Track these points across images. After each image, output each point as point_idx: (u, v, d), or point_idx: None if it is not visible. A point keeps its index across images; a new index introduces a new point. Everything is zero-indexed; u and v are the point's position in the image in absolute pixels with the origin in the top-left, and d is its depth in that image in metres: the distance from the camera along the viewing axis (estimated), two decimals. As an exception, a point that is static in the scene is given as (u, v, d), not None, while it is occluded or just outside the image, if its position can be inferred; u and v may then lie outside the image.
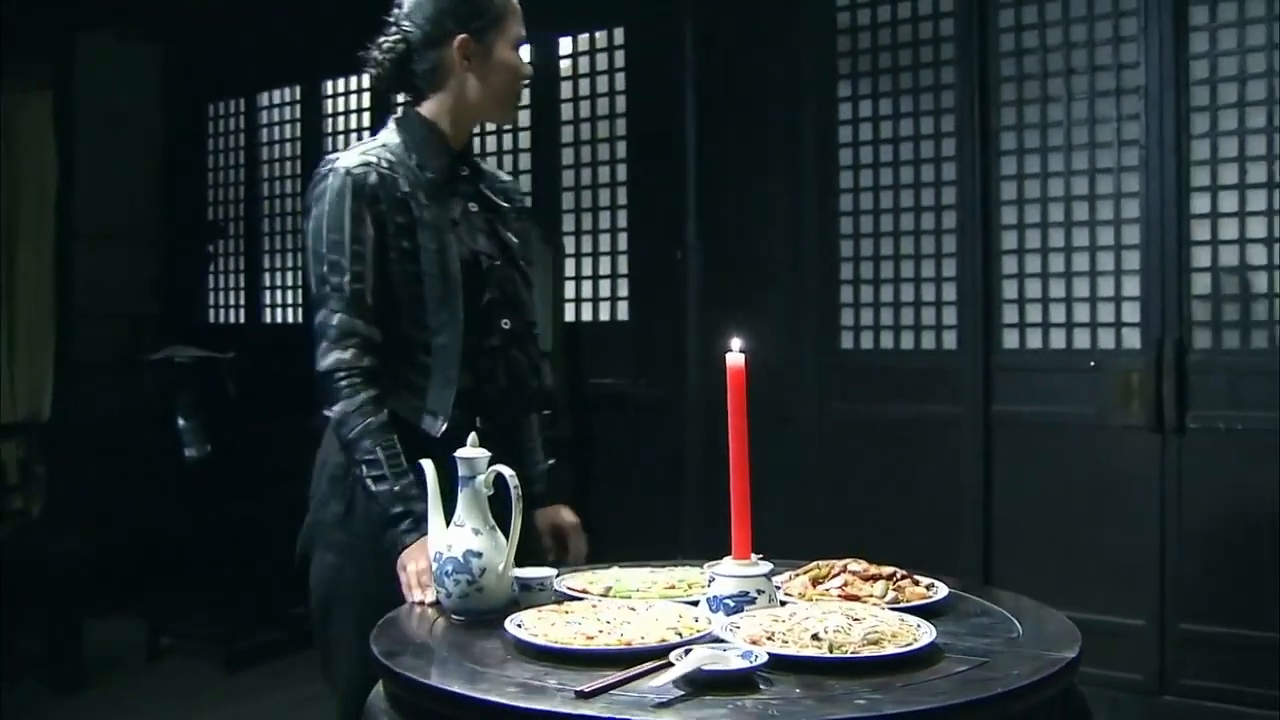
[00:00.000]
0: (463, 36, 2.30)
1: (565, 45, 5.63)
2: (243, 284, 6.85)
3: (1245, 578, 4.00)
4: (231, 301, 6.92)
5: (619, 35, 5.45)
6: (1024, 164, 4.41)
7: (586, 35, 5.56)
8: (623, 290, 5.54)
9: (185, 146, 6.89)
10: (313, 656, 4.88)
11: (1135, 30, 4.16)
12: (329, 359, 2.22)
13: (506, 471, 2.05)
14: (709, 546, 4.26)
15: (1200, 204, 4.08)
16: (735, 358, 2.03)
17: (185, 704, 4.73)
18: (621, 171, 5.49)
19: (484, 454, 2.07)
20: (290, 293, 6.68)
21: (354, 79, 6.36)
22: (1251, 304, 4.03)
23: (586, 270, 5.61)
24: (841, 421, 4.57)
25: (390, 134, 2.36)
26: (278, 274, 6.72)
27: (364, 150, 2.30)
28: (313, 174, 2.31)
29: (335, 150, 6.31)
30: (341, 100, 6.45)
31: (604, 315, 5.59)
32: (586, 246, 5.61)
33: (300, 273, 6.56)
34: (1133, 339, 4.21)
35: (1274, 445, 3.94)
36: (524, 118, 5.76)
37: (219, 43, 6.55)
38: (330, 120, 6.49)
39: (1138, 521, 4.16)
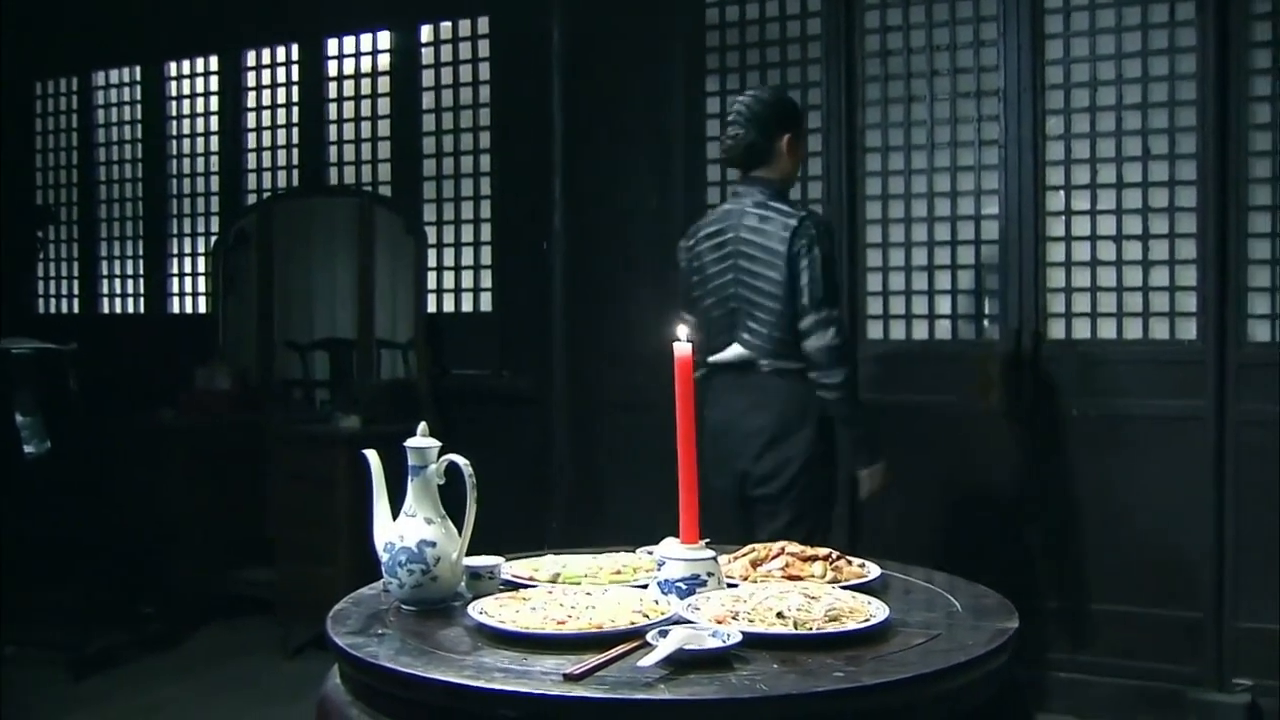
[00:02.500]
0: (789, 136, 3.49)
1: (427, 33, 5.57)
2: (76, 272, 6.58)
3: (1093, 554, 4.25)
4: (64, 291, 6.63)
5: (483, 24, 5.43)
6: (889, 161, 4.56)
7: (449, 23, 5.52)
8: (486, 281, 5.52)
9: (10, 126, 6.55)
10: (161, 660, 4.75)
11: (995, 35, 4.36)
12: (846, 349, 3.43)
13: (461, 460, 2.05)
14: (577, 537, 4.29)
15: (1055, 202, 4.30)
16: (682, 348, 2.06)
17: (29, 715, 4.51)
18: (485, 162, 5.47)
19: (435, 444, 2.06)
20: (130, 282, 6.45)
21: (200, 61, 6.18)
22: (1099, 296, 4.26)
23: (449, 261, 5.58)
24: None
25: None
26: (116, 262, 6.48)
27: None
28: (806, 220, 3.38)
29: (179, 135, 6.14)
30: (186, 83, 6.24)
31: (466, 306, 5.57)
32: (449, 237, 5.57)
33: (143, 261, 6.35)
34: (992, 330, 4.41)
35: (1118, 430, 4.20)
36: (383, 106, 5.69)
37: (48, 17, 6.25)
38: (174, 103, 6.27)
39: (996, 502, 4.36)
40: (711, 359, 3.52)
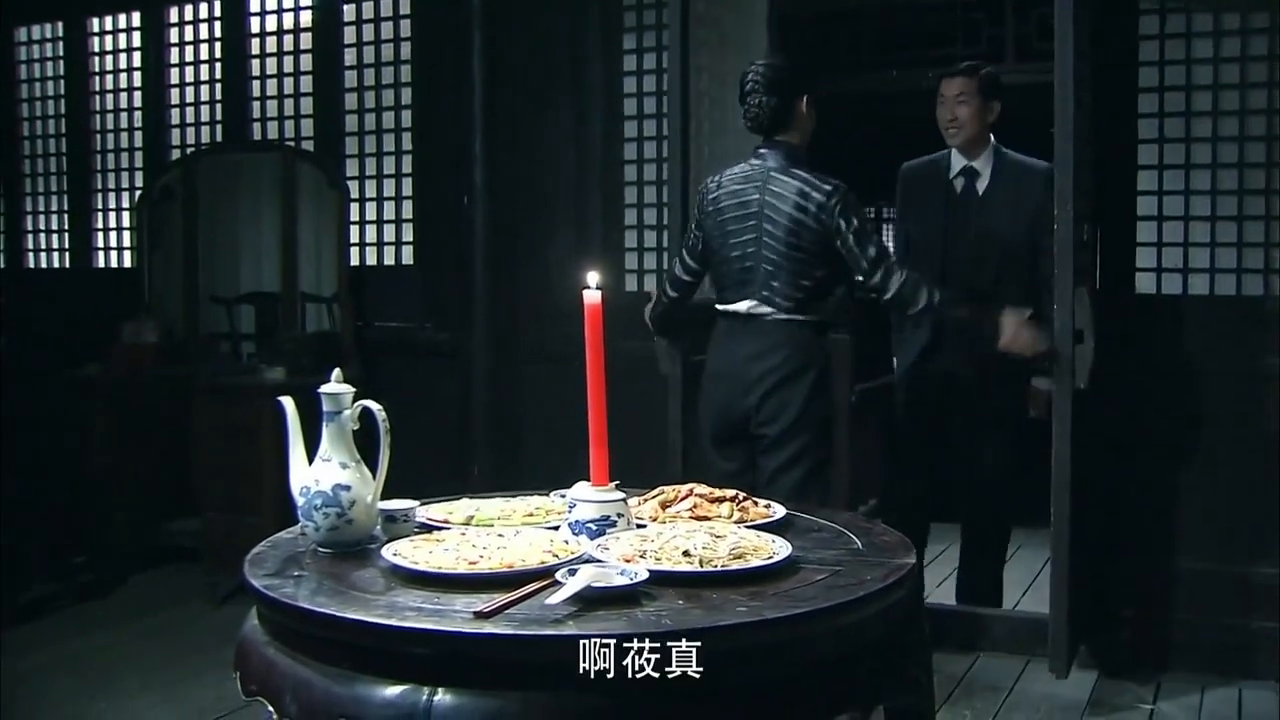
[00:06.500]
0: (807, 97, 3.58)
1: (348, -11, 5.56)
2: (1, 227, 6.49)
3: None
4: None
5: (405, -19, 5.44)
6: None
7: (371, -20, 5.50)
8: (408, 235, 5.54)
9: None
10: (92, 609, 4.72)
11: None
12: (917, 277, 3.53)
13: (374, 406, 2.10)
14: (498, 484, 4.37)
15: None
16: (592, 295, 2.08)
17: (-42, 663, 4.52)
18: (407, 117, 5.48)
19: (349, 389, 2.09)
20: (55, 236, 6.38)
21: (122, 17, 6.11)
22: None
23: (371, 215, 5.58)
24: (624, 359, 4.66)
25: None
26: (41, 217, 6.41)
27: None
28: (835, 192, 3.46)
29: (102, 90, 6.05)
30: (109, 39, 6.16)
31: (389, 260, 5.59)
32: (371, 191, 5.57)
33: (67, 216, 6.29)
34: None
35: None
36: (305, 62, 5.68)
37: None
38: (97, 59, 6.20)
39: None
40: (722, 308, 3.67)
